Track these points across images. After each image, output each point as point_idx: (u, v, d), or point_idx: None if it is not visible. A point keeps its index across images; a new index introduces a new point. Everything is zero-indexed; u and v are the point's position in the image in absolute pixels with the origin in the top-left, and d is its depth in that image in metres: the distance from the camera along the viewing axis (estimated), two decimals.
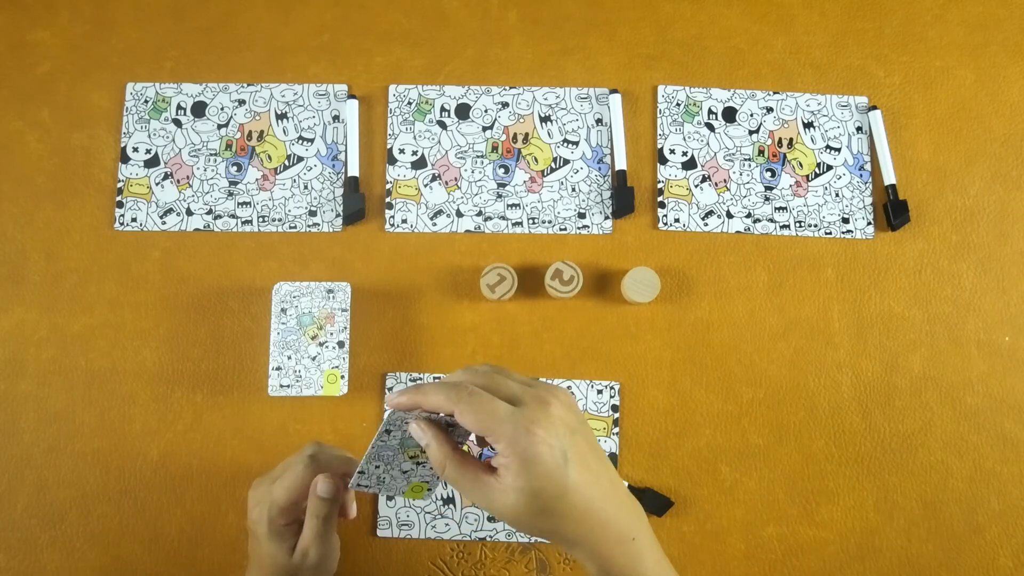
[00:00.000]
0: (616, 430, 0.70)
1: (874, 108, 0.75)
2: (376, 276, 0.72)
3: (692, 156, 0.75)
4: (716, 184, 0.74)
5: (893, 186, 0.73)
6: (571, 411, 0.47)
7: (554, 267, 0.70)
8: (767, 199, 0.74)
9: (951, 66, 0.77)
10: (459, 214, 0.73)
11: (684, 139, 0.75)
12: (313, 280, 0.71)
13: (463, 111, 0.75)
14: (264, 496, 0.57)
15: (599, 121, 0.75)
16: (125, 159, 0.74)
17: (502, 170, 0.74)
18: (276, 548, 0.57)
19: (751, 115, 0.76)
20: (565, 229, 0.73)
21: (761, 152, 0.75)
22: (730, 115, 0.76)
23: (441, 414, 0.47)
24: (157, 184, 0.73)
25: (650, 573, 0.48)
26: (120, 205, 0.73)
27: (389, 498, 0.69)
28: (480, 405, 0.45)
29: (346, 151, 0.74)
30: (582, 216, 0.74)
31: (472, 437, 0.51)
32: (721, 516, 0.70)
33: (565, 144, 0.75)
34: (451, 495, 0.69)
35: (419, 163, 0.74)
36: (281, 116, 0.75)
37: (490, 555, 0.69)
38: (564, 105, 0.75)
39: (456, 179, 0.74)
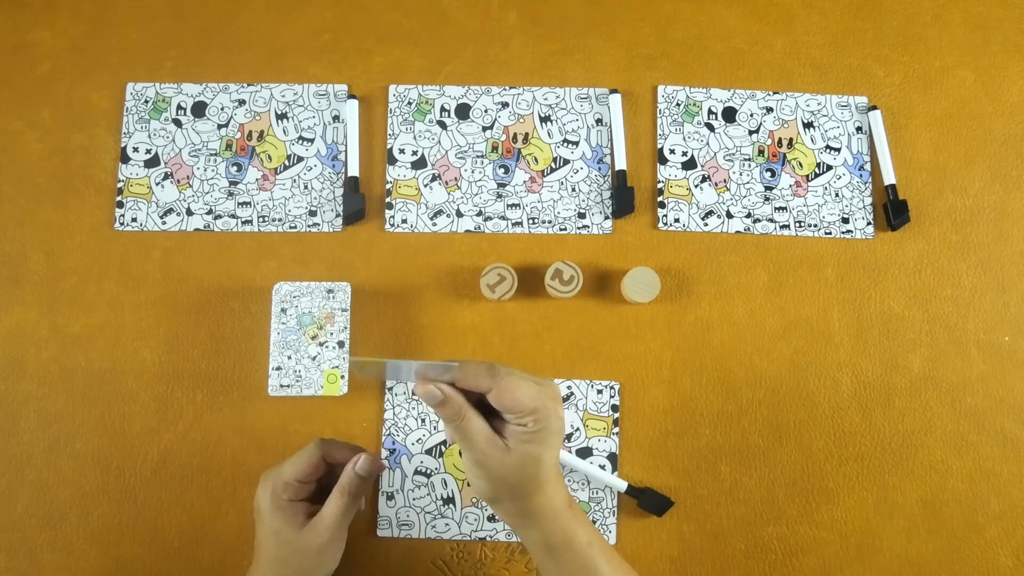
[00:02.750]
0: (616, 430, 0.70)
1: (874, 108, 0.75)
2: (376, 276, 0.72)
3: (692, 156, 0.75)
4: (716, 184, 0.74)
5: (893, 186, 0.73)
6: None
7: (554, 267, 0.70)
8: (767, 199, 0.74)
9: (951, 66, 0.77)
10: (459, 214, 0.73)
11: (684, 139, 0.75)
12: (313, 280, 0.71)
13: (463, 111, 0.75)
14: (271, 475, 0.59)
15: (599, 121, 0.75)
16: (125, 159, 0.74)
17: (502, 170, 0.74)
18: (280, 523, 0.58)
19: (751, 115, 0.76)
20: (565, 229, 0.73)
21: (761, 152, 0.75)
22: (730, 115, 0.76)
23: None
24: (157, 184, 0.73)
25: (588, 530, 0.56)
26: (120, 205, 0.73)
27: (390, 497, 0.69)
28: (515, 382, 0.51)
29: (346, 151, 0.74)
30: (582, 216, 0.74)
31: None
32: (721, 516, 0.70)
33: (565, 144, 0.75)
34: (450, 495, 0.69)
35: (419, 163, 0.74)
36: (281, 116, 0.75)
37: (490, 555, 0.69)
38: (564, 105, 0.75)
39: (456, 179, 0.74)
